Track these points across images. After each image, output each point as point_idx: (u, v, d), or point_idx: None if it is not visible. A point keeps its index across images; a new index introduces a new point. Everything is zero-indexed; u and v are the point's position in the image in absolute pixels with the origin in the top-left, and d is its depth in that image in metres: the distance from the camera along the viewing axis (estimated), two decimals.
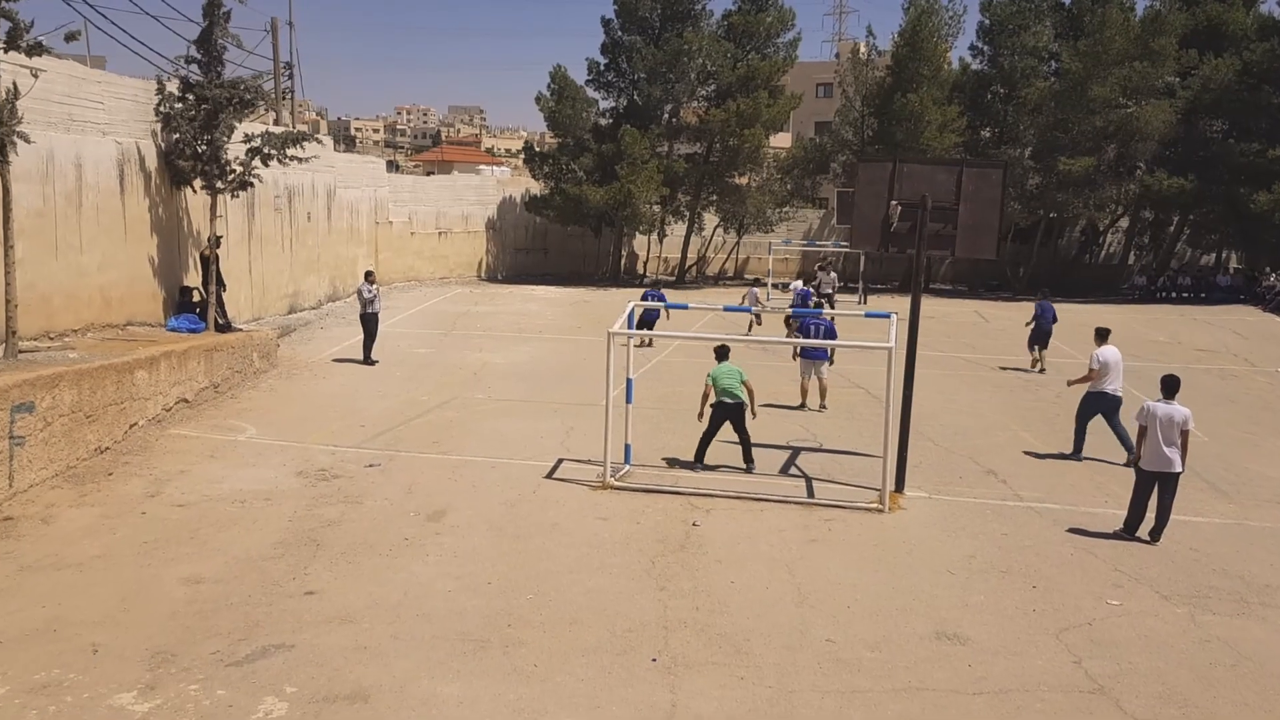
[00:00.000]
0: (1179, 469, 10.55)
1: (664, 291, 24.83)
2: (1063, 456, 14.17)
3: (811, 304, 22.39)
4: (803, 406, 16.66)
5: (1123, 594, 9.24)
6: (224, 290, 18.83)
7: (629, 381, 12.88)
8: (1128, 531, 10.73)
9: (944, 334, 26.02)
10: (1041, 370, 20.70)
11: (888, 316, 12.92)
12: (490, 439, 14.23)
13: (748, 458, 13.08)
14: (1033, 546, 10.44)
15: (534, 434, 14.55)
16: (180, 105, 17.72)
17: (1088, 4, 37.99)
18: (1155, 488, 10.62)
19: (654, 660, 7.61)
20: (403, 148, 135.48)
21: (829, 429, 15.34)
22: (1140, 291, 39.27)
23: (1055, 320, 21.00)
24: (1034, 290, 28.67)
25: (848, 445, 14.40)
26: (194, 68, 17.84)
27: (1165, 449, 10.48)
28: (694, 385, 14.37)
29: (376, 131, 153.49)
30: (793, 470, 13.17)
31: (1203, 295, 38.09)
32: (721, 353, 13.37)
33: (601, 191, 36.39)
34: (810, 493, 12.18)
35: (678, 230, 41.63)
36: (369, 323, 19.86)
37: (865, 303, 33.49)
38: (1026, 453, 14.38)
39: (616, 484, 12.14)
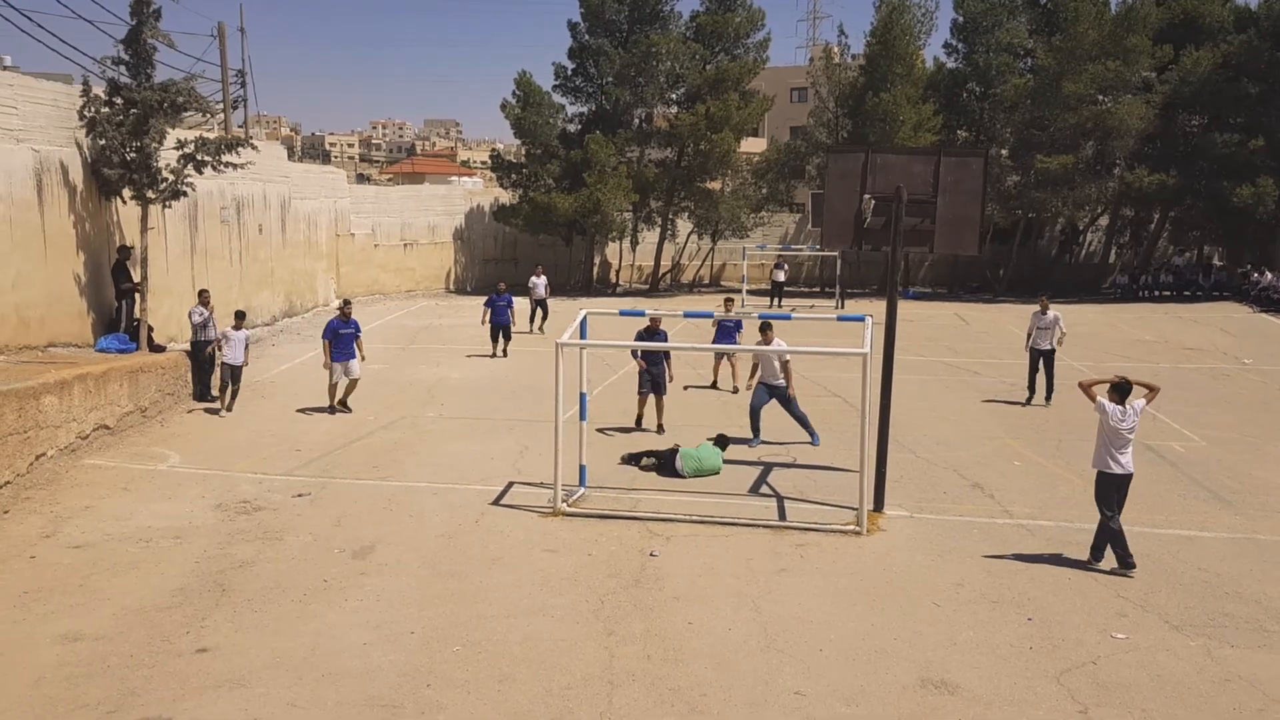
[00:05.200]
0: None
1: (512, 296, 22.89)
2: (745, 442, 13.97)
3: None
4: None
5: (1129, 625, 8.21)
6: (134, 304, 17.25)
7: (583, 397, 11.81)
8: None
9: (924, 337, 25.05)
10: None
11: (862, 320, 11.88)
12: (436, 462, 13.12)
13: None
14: (1026, 571, 9.40)
15: (484, 455, 13.45)
16: (107, 109, 16.56)
17: None
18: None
19: None
20: (378, 162, 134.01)
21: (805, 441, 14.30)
22: (1122, 290, 38.44)
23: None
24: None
25: (824, 459, 13.37)
26: (122, 69, 16.72)
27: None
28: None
29: (351, 146, 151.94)
30: (764, 489, 12.11)
31: (1186, 293, 37.31)
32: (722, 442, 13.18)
33: (570, 199, 35.32)
34: (782, 514, 11.12)
35: (651, 238, 40.55)
36: (199, 351, 16.59)
37: (842, 306, 32.52)
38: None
39: (569, 510, 11.05)
